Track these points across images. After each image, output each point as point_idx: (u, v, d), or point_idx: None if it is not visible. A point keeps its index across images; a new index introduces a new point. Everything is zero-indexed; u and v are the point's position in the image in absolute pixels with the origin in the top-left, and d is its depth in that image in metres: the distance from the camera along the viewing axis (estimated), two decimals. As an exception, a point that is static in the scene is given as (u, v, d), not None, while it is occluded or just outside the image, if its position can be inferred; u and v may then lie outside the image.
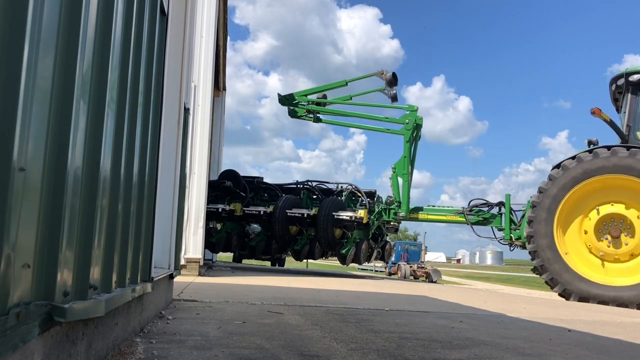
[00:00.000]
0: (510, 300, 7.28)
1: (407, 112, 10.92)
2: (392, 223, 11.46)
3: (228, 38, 13.94)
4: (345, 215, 10.21)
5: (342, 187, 11.41)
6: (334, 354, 2.57)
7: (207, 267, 10.82)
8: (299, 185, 11.39)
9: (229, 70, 24.66)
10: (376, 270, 35.87)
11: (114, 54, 1.87)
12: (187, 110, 4.56)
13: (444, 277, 30.40)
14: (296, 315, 3.95)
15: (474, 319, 4.55)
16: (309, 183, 11.36)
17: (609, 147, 8.46)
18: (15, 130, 1.09)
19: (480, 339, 3.30)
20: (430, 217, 11.04)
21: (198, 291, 5.45)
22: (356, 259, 10.76)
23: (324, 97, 11.92)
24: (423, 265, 28.47)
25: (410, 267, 29.12)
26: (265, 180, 11.73)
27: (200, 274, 8.11)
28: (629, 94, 8.91)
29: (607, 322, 5.26)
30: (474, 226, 10.47)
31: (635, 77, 8.76)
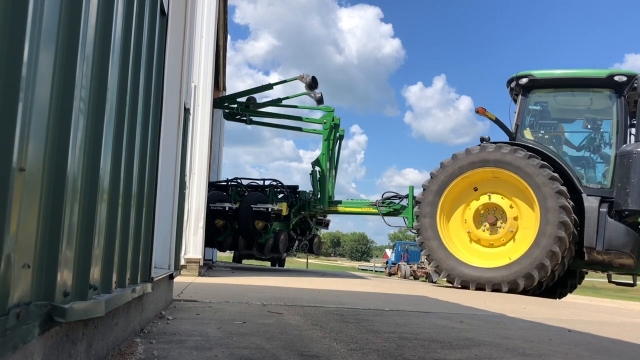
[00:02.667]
0: (510, 300, 7.29)
1: (325, 113, 11.76)
2: (319, 217, 12.47)
3: (228, 38, 13.98)
4: (263, 207, 10.84)
5: (266, 182, 12.30)
6: (334, 354, 2.57)
7: (207, 267, 10.84)
8: (228, 183, 12.14)
9: (229, 69, 24.66)
10: (376, 271, 35.86)
11: (114, 54, 1.87)
12: (187, 111, 4.55)
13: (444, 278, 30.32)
14: (296, 316, 3.95)
15: (474, 319, 4.55)
16: (237, 180, 12.16)
17: (480, 144, 9.40)
18: (15, 130, 1.09)
19: (480, 339, 3.30)
20: (347, 209, 11.97)
21: (198, 291, 5.45)
22: (275, 249, 11.40)
23: (253, 100, 12.56)
24: (423, 266, 28.45)
25: (410, 267, 29.13)
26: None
27: (200, 274, 8.11)
28: (520, 96, 9.61)
29: (608, 322, 5.26)
30: (385, 217, 11.25)
31: (523, 81, 9.49)
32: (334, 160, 12.00)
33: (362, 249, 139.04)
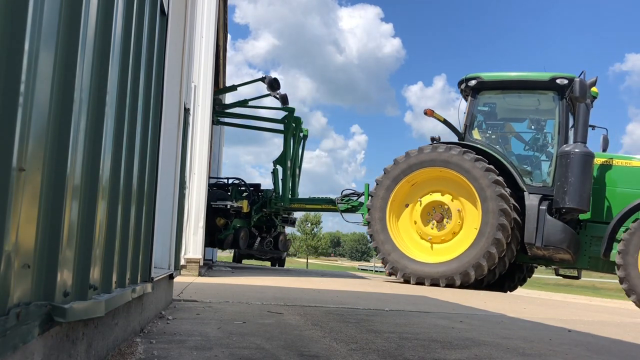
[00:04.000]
0: (510, 300, 7.29)
1: (286, 114, 12.16)
2: (284, 215, 12.88)
3: (229, 37, 14.02)
4: (222, 204, 11.15)
5: (230, 181, 12.76)
6: (334, 354, 2.57)
7: (207, 267, 10.84)
8: None
9: (229, 69, 24.69)
10: (376, 271, 35.82)
11: (114, 53, 1.87)
12: (187, 110, 4.55)
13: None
14: (296, 316, 3.95)
15: (474, 319, 4.55)
16: None
17: (431, 143, 9.86)
18: (15, 130, 1.09)
19: (480, 339, 3.30)
20: (307, 206, 12.47)
21: (198, 291, 5.45)
22: (235, 244, 11.82)
23: (219, 101, 12.88)
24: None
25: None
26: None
27: (200, 274, 8.11)
28: (469, 97, 9.97)
29: (608, 322, 5.26)
30: (343, 213, 11.58)
31: (472, 83, 9.85)
32: (297, 159, 12.33)
33: (362, 249, 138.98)
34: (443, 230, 9.42)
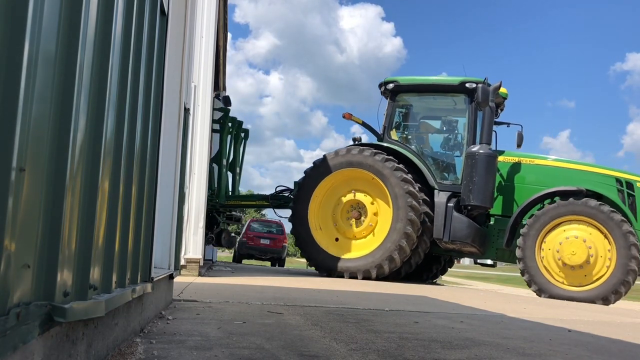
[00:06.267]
0: (510, 300, 7.29)
1: (222, 114, 12.44)
2: (228, 213, 13.01)
3: (229, 37, 14.03)
4: None
5: None
6: (334, 354, 2.57)
7: (207, 267, 10.83)
8: None
9: (229, 68, 24.69)
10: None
11: (114, 54, 1.87)
12: (187, 111, 4.55)
13: (443, 277, 30.33)
14: (296, 316, 3.95)
15: (474, 319, 4.55)
16: None
17: (352, 145, 10.36)
18: (15, 130, 1.09)
19: (480, 339, 3.30)
20: (242, 202, 12.83)
21: (198, 291, 5.45)
22: None
23: None
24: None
25: (410, 267, 29.06)
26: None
27: (200, 274, 8.10)
28: (388, 100, 10.61)
29: (607, 323, 5.26)
30: (276, 209, 12.08)
31: (390, 86, 10.42)
32: (238, 158, 12.53)
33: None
34: (360, 226, 10.05)
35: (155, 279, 3.03)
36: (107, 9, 1.77)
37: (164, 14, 3.05)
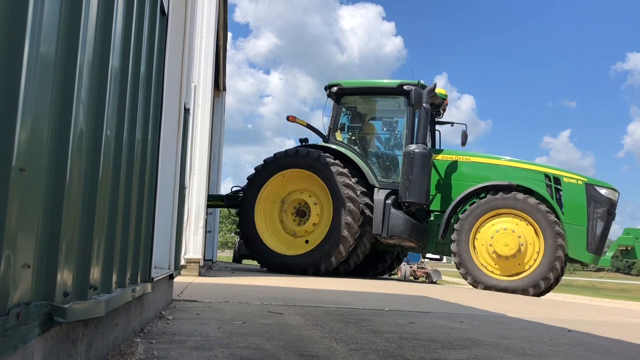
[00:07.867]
0: (510, 300, 7.29)
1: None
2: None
3: (229, 37, 13.99)
4: None
5: None
6: (334, 354, 2.57)
7: (207, 267, 10.83)
8: None
9: (229, 68, 24.66)
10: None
11: (114, 54, 1.87)
12: (187, 111, 4.55)
13: (444, 278, 30.33)
14: (296, 316, 3.95)
15: (474, 319, 4.55)
16: None
17: (299, 146, 10.80)
18: (15, 130, 1.09)
19: (480, 339, 3.30)
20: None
21: (198, 291, 5.45)
22: None
23: None
24: (423, 266, 28.39)
25: (411, 267, 29.08)
26: None
27: (200, 274, 8.10)
28: (333, 102, 11.04)
29: (607, 323, 5.26)
30: (230, 209, 12.36)
31: (334, 89, 10.85)
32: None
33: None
34: (305, 224, 10.44)
35: (155, 279, 3.03)
36: (107, 9, 1.77)
37: (164, 14, 3.05)
